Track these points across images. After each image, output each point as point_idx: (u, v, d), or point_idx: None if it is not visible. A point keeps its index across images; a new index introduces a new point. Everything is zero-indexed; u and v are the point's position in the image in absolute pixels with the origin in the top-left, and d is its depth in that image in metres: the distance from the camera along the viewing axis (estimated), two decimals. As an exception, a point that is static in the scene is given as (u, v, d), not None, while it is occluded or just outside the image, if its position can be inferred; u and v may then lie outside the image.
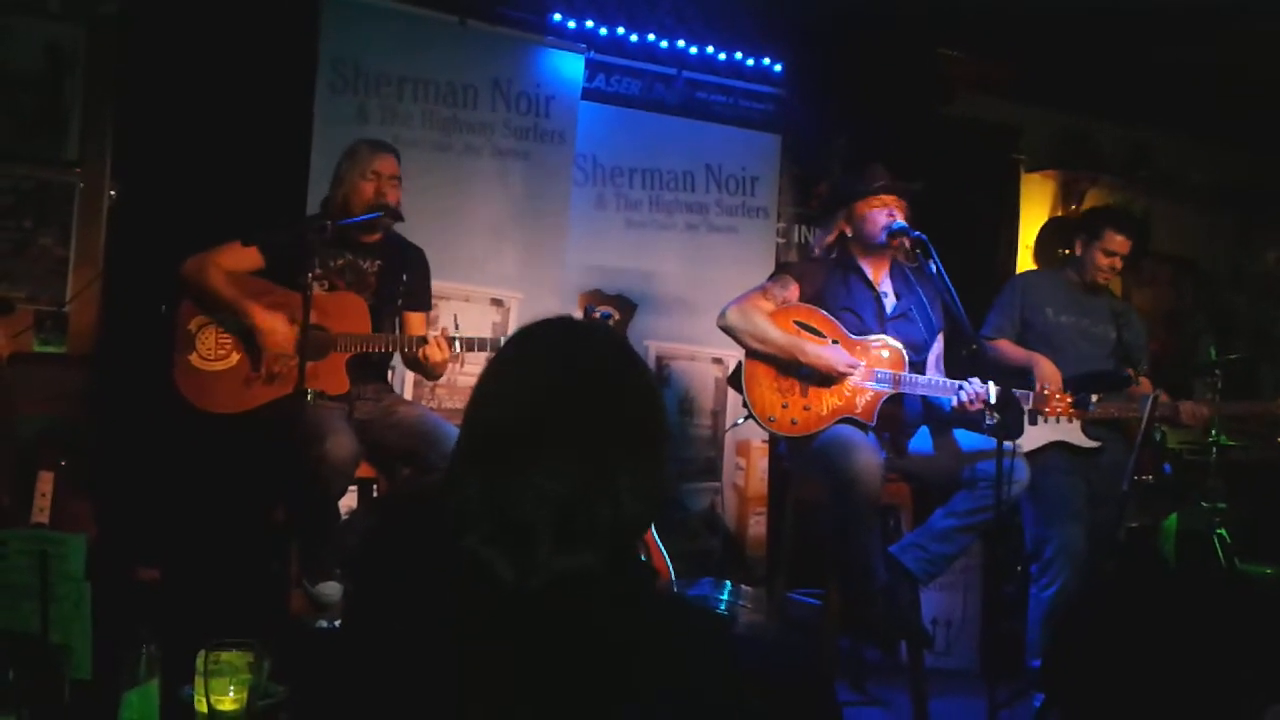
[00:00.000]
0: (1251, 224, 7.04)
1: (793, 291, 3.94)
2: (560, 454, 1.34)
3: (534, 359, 1.42)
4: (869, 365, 3.83)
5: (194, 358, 3.58)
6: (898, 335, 3.90)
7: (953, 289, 3.72)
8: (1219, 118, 6.28)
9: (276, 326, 3.54)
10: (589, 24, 5.08)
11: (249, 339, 3.57)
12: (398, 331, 3.85)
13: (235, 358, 3.59)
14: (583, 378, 1.39)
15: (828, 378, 3.79)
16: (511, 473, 1.34)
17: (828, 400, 3.83)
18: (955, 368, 4.01)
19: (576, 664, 1.31)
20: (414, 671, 1.37)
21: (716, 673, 1.38)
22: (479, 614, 1.33)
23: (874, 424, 3.80)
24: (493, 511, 1.33)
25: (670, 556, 4.36)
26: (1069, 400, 3.84)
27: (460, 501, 1.36)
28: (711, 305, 4.09)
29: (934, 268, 3.75)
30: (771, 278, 4.10)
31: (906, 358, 3.87)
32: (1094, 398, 4.01)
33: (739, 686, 1.45)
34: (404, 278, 3.85)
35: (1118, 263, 4.44)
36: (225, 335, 3.60)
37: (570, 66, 5.02)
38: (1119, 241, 4.40)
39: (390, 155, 3.79)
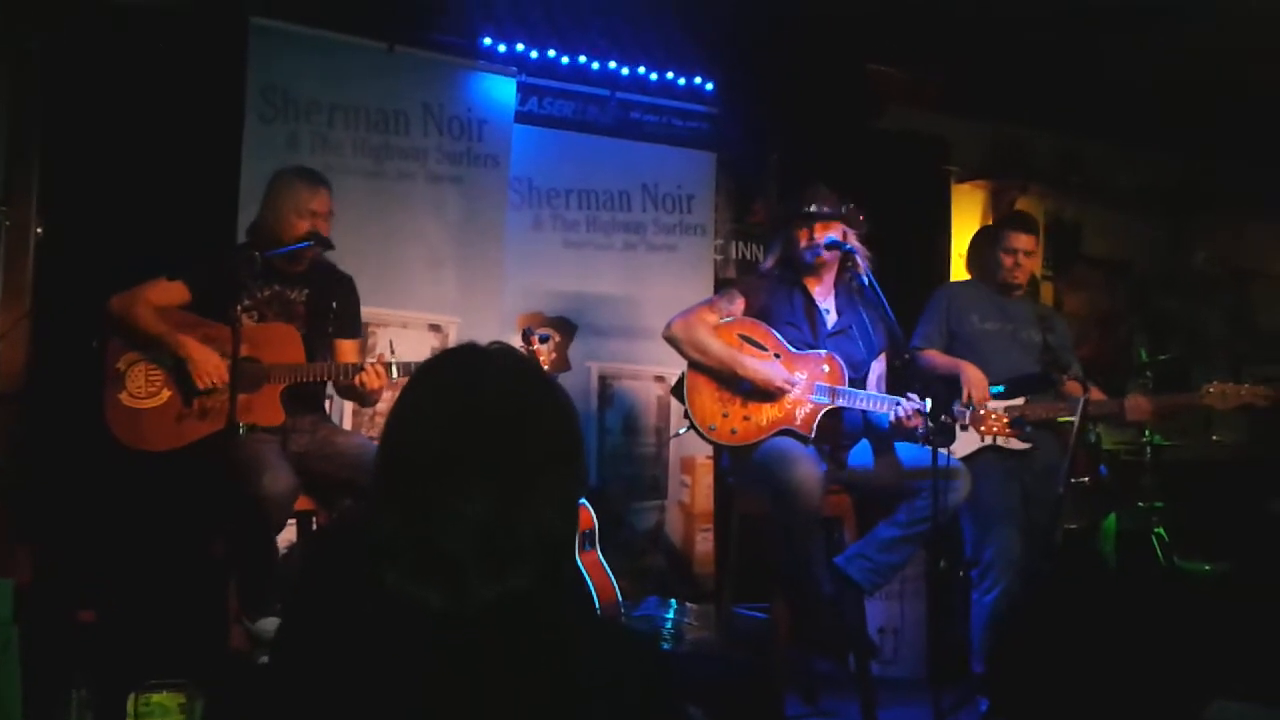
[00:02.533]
0: (1182, 227, 7.17)
1: (738, 306, 4.02)
2: (475, 478, 1.34)
3: (438, 388, 1.44)
4: (809, 378, 3.88)
5: (124, 396, 3.53)
6: (837, 352, 3.95)
7: (885, 301, 3.78)
8: (1147, 124, 6.40)
9: (208, 357, 3.50)
10: (519, 47, 5.08)
11: (180, 373, 3.53)
12: (330, 360, 3.82)
13: (166, 394, 3.55)
14: (489, 401, 1.40)
15: (766, 392, 3.83)
16: (429, 502, 1.35)
17: (767, 412, 3.87)
18: (892, 381, 4.05)
19: (510, 690, 1.32)
20: (347, 706, 1.36)
21: (651, 695, 1.39)
22: (410, 646, 1.33)
23: (813, 436, 3.83)
24: (414, 543, 1.33)
25: (616, 576, 4.36)
26: (1005, 420, 3.91)
27: (379, 536, 1.36)
28: (652, 324, 4.12)
29: (865, 280, 3.82)
30: (719, 292, 4.17)
31: (846, 373, 3.91)
32: (1026, 414, 4.09)
33: (674, 709, 1.46)
34: (333, 305, 3.82)
35: (1023, 259, 4.52)
36: (155, 372, 3.55)
37: (502, 90, 5.02)
38: (1020, 239, 4.51)
39: (325, 190, 3.76)
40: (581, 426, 1.50)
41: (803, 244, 3.99)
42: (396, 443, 1.42)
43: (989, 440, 4.11)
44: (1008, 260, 4.51)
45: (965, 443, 4.20)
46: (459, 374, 1.45)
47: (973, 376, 4.22)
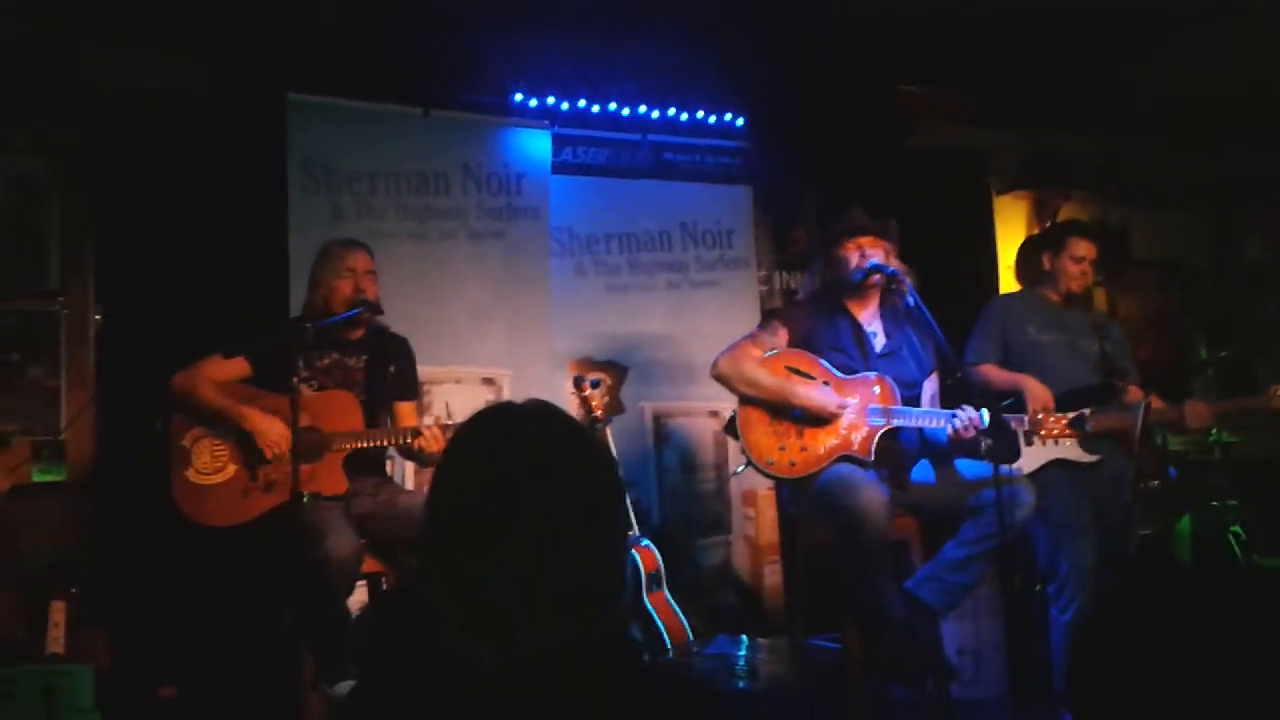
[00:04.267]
0: (1228, 220, 7.07)
1: (781, 337, 3.99)
2: (512, 534, 1.37)
3: (474, 449, 1.47)
4: (861, 402, 3.85)
5: (190, 473, 3.59)
6: (887, 373, 3.92)
7: (932, 320, 3.75)
8: (1185, 121, 6.33)
9: (272, 427, 3.56)
10: (551, 100, 5.15)
11: (245, 447, 3.59)
12: (389, 423, 3.87)
13: (231, 469, 3.61)
14: (523, 458, 1.43)
15: (820, 418, 3.81)
16: (473, 559, 1.38)
17: (824, 440, 3.84)
18: (946, 399, 4.01)
19: None
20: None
21: None
22: (465, 703, 1.35)
23: (872, 459, 3.81)
24: (462, 600, 1.36)
25: (686, 615, 4.35)
26: (1064, 422, 3.83)
27: (428, 595, 1.39)
28: (702, 360, 4.11)
29: (911, 301, 3.79)
30: (760, 325, 4.15)
31: (898, 394, 3.88)
32: (1088, 414, 4.00)
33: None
34: (391, 369, 3.87)
35: (1087, 268, 4.46)
36: (220, 447, 3.61)
37: (537, 144, 5.10)
38: (1085, 246, 4.45)
39: (362, 251, 3.84)
40: (621, 478, 1.52)
41: (852, 263, 3.96)
42: (438, 504, 1.47)
43: (1054, 452, 4.05)
44: (1074, 268, 4.45)
45: (1032, 457, 4.14)
46: (493, 434, 1.48)
47: (1035, 390, 4.15)
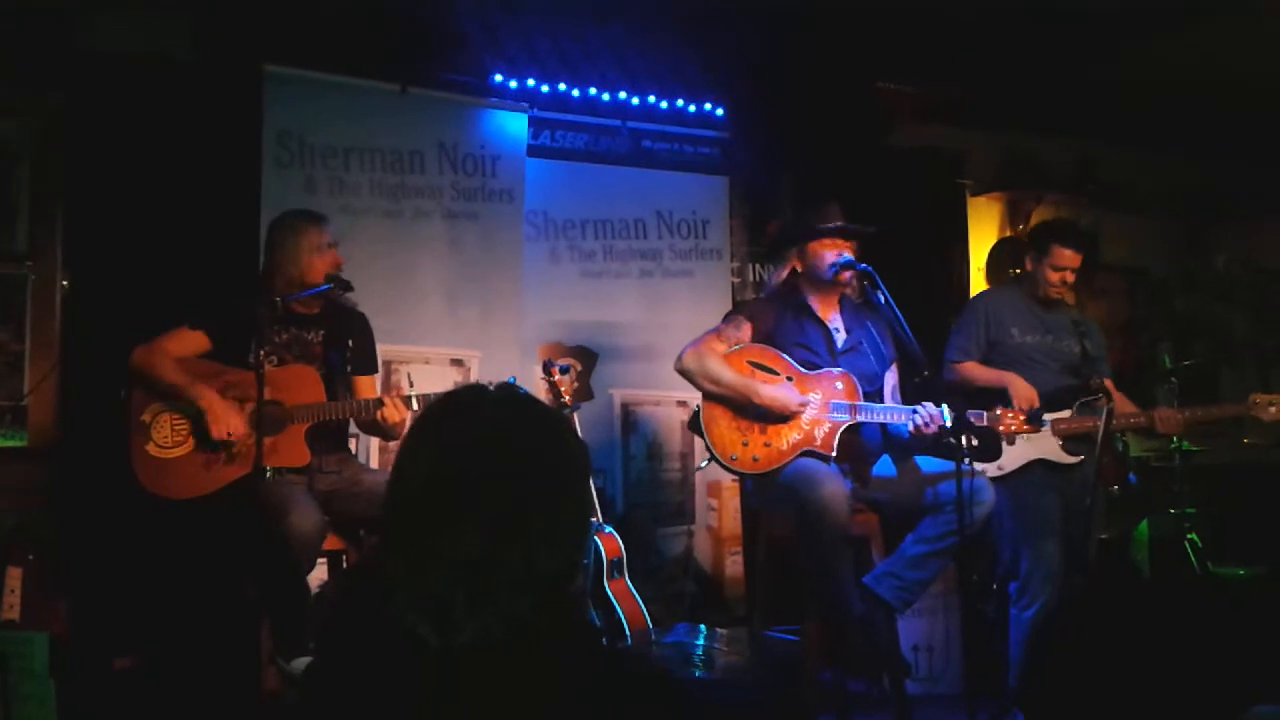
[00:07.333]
0: (1199, 229, 7.14)
1: (745, 331, 4.00)
2: (460, 517, 1.39)
3: (433, 430, 1.48)
4: (824, 398, 3.87)
5: (151, 447, 3.56)
6: (850, 368, 3.94)
7: (902, 318, 3.77)
8: (1161, 128, 6.38)
9: (226, 409, 3.53)
10: (530, 82, 5.13)
11: (202, 423, 3.56)
12: (350, 398, 3.86)
13: (192, 443, 3.58)
14: (482, 441, 1.44)
15: (783, 416, 3.83)
16: (422, 539, 1.40)
17: (787, 435, 3.86)
18: (912, 397, 4.03)
19: None
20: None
21: None
22: (415, 678, 1.37)
23: (835, 455, 3.83)
24: (411, 578, 1.37)
25: (646, 603, 4.36)
26: (1021, 418, 3.87)
27: (386, 571, 1.40)
28: (672, 349, 4.12)
29: (881, 298, 3.81)
30: (725, 319, 4.15)
31: (860, 388, 3.90)
32: (1063, 430, 4.04)
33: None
34: (349, 343, 3.86)
35: (1068, 276, 4.41)
36: (180, 421, 3.58)
37: (514, 125, 5.08)
38: (1067, 256, 4.37)
39: (328, 225, 3.82)
40: (585, 464, 1.53)
41: (828, 259, 3.96)
42: (396, 482, 1.48)
43: (1036, 451, 4.08)
44: (1054, 276, 4.38)
45: (1013, 456, 4.17)
46: (453, 416, 1.50)
47: (1021, 389, 4.16)
